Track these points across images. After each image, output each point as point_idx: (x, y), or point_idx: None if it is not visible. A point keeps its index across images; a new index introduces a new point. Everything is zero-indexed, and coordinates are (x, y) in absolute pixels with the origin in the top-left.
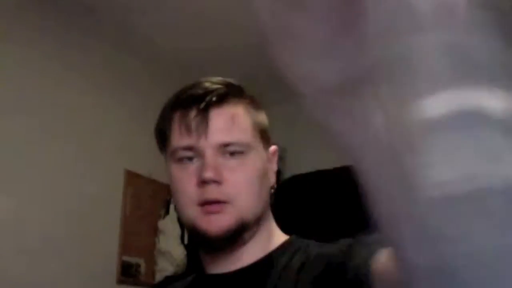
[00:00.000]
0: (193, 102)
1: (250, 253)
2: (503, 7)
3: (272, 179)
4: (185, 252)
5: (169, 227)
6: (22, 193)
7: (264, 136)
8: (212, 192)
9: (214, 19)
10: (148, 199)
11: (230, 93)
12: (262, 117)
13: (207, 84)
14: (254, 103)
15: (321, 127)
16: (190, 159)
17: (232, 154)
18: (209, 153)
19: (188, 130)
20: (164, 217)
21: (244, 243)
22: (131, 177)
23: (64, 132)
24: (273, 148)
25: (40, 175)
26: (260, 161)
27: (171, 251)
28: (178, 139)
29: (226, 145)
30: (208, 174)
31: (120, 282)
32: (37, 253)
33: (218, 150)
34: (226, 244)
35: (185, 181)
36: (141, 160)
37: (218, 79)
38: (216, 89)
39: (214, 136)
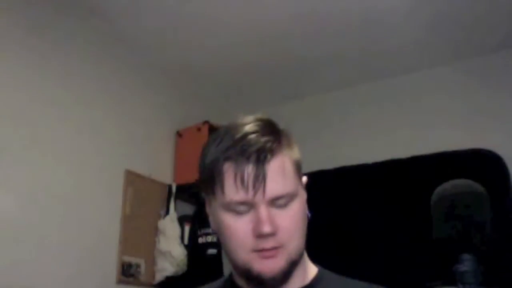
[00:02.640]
0: (247, 158)
1: (293, 283)
2: None
3: (307, 209)
4: (185, 252)
5: (169, 227)
6: (21, 193)
7: (300, 170)
8: (268, 242)
9: (213, 23)
10: (148, 199)
11: (275, 143)
12: (297, 153)
13: (254, 138)
14: (290, 141)
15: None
16: (243, 211)
17: (281, 204)
18: (263, 207)
19: (244, 186)
20: (164, 217)
21: (290, 277)
22: (131, 177)
23: (64, 132)
24: (304, 179)
25: (40, 175)
26: (303, 202)
27: (171, 251)
28: (233, 193)
29: (278, 198)
30: (266, 229)
31: (120, 282)
32: (37, 252)
33: (271, 203)
34: (277, 283)
35: (240, 232)
36: (141, 160)
37: (254, 123)
38: (265, 143)
39: (269, 191)
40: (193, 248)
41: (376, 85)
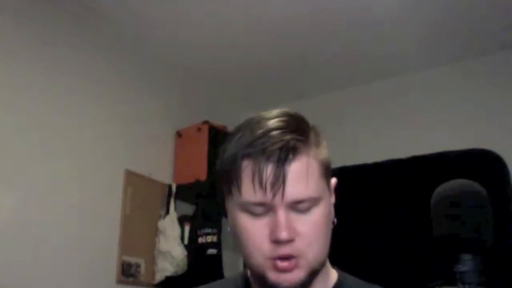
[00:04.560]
0: (267, 157)
1: None
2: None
3: (333, 214)
4: (185, 252)
5: (169, 227)
6: (22, 193)
7: (328, 172)
8: (286, 249)
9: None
10: (148, 199)
11: (301, 142)
12: (325, 152)
13: (277, 134)
14: (318, 139)
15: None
16: (260, 212)
17: (302, 208)
18: (282, 211)
19: (263, 187)
20: (164, 217)
21: (310, 286)
22: (131, 177)
23: (64, 132)
24: (333, 181)
25: (41, 175)
26: (327, 207)
27: (171, 251)
28: (251, 193)
29: (299, 202)
30: (283, 235)
31: (120, 282)
32: (38, 252)
33: (291, 206)
34: None
35: (256, 235)
36: (141, 160)
37: (280, 117)
38: (288, 141)
39: (289, 195)
40: (193, 248)
41: (376, 85)
